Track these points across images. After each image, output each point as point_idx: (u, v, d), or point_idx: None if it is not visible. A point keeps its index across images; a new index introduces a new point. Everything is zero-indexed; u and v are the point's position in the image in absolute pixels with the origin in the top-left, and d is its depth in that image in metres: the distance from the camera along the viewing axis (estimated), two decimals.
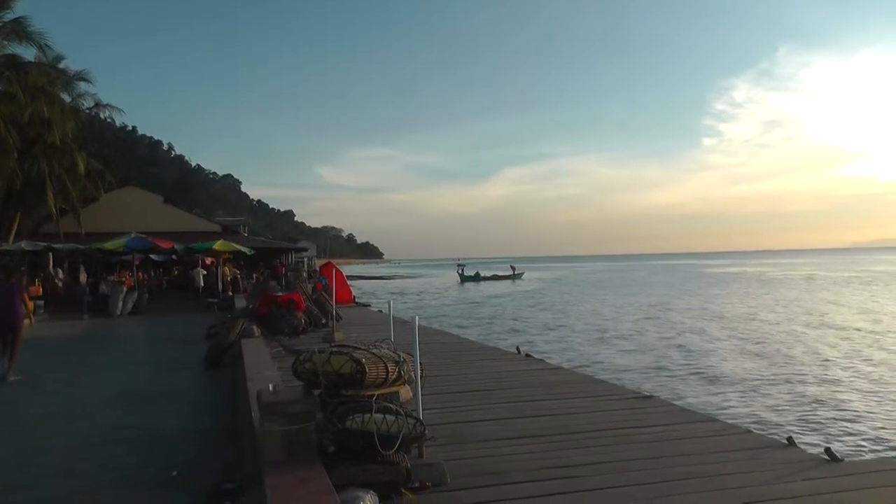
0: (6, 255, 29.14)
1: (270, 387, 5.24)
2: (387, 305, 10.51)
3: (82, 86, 38.77)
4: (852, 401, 14.01)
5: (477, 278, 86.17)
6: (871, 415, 12.85)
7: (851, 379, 16.60)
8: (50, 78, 34.79)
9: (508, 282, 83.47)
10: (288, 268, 38.18)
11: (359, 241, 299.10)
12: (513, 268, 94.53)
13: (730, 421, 8.40)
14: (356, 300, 26.21)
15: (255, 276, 35.61)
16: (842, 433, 11.53)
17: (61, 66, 37.46)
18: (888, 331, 26.55)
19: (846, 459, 5.77)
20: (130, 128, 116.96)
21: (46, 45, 34.09)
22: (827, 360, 19.41)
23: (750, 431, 7.13)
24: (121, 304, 27.46)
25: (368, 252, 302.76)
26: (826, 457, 5.55)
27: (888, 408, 13.43)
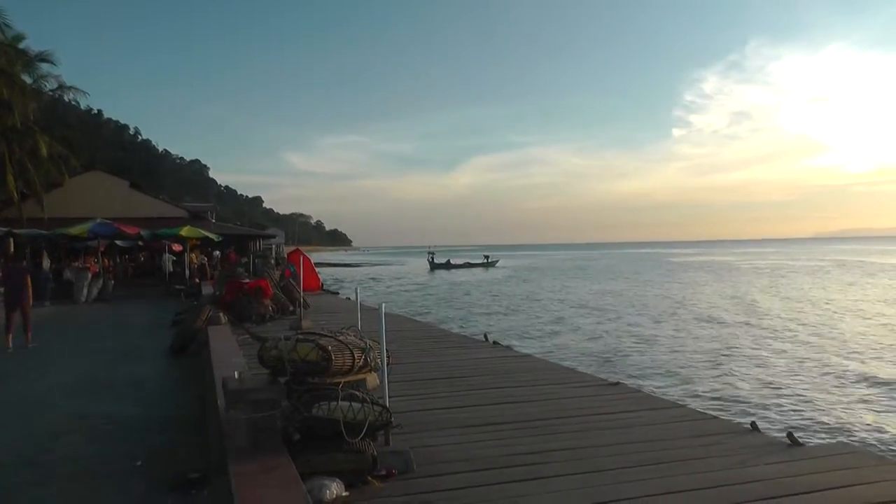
0: None
1: (236, 374, 5.19)
2: (354, 293, 10.48)
3: (45, 67, 37.86)
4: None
5: (448, 266, 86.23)
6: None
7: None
8: (9, 58, 33.95)
9: (480, 269, 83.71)
10: (256, 254, 37.86)
11: (327, 229, 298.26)
12: (486, 256, 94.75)
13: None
14: (324, 287, 26.10)
15: (216, 255, 35.15)
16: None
17: (22, 46, 36.54)
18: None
19: (807, 444, 5.89)
20: (96, 111, 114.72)
21: (6, 25, 33.31)
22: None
23: (715, 417, 7.24)
24: (85, 290, 27.02)
25: (337, 239, 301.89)
26: (788, 441, 5.66)
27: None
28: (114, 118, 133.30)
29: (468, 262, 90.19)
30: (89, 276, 27.63)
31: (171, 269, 31.52)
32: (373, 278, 67.44)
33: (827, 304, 33.59)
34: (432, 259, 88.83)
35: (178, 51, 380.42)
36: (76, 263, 30.49)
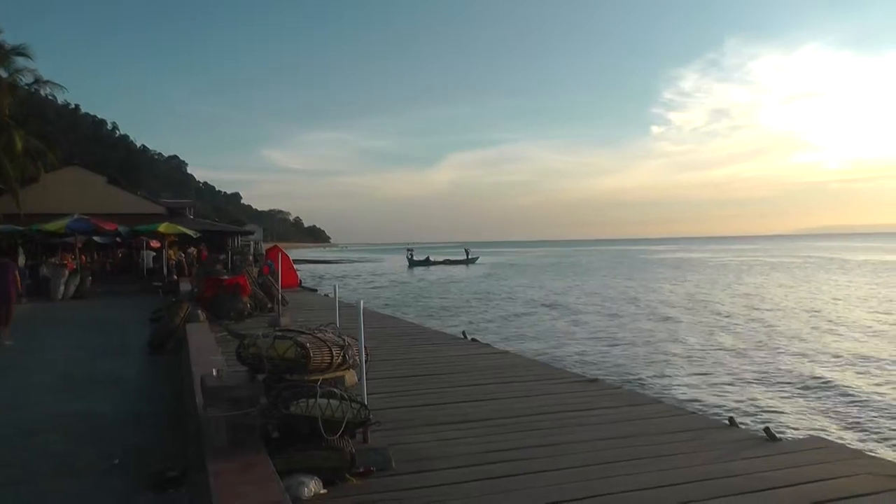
0: None
1: (214, 372, 5.17)
2: (333, 290, 10.46)
3: (20, 61, 37.29)
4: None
5: (427, 263, 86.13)
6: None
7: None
8: None
9: (461, 266, 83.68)
10: (234, 251, 37.64)
11: (306, 225, 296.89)
12: (467, 252, 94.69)
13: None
14: (302, 284, 26.04)
15: (191, 251, 34.85)
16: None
17: None
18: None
19: (783, 439, 5.97)
20: (73, 106, 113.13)
21: None
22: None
23: (694, 413, 7.33)
24: (62, 287, 26.67)
25: (315, 236, 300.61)
26: (765, 436, 5.74)
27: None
28: (92, 113, 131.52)
29: (448, 259, 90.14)
30: (66, 272, 27.25)
31: (152, 266, 31.23)
32: (352, 275, 67.29)
33: (812, 300, 34.01)
34: (411, 256, 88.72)
35: (157, 46, 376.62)
36: (53, 260, 30.09)
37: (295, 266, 20.58)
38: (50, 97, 51.30)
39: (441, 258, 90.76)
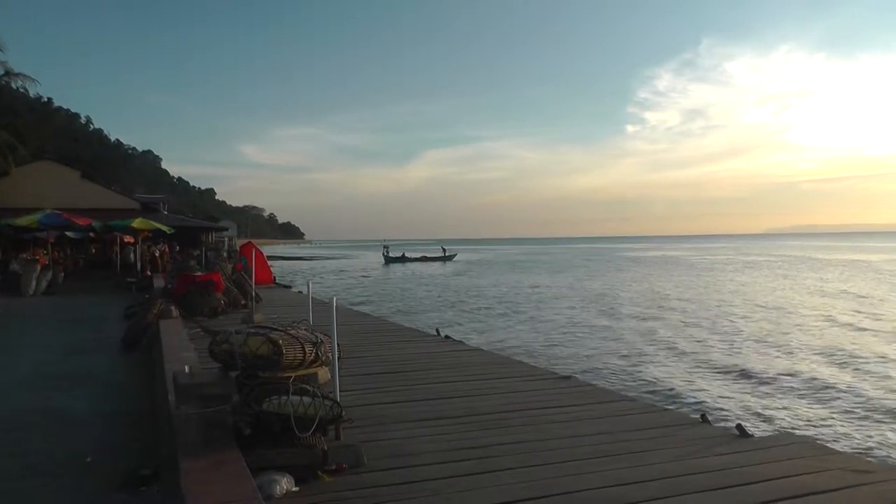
0: None
1: (187, 369, 5.17)
2: (306, 286, 10.43)
3: None
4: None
5: (403, 259, 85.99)
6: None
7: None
8: None
9: (437, 263, 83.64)
10: (208, 247, 37.38)
11: (280, 221, 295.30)
12: (444, 249, 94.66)
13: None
14: (276, 281, 25.92)
15: (163, 248, 34.59)
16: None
17: None
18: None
19: (755, 435, 6.06)
20: (46, 99, 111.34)
21: None
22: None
23: (667, 410, 7.39)
24: (34, 283, 26.31)
25: (290, 232, 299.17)
26: (737, 432, 5.82)
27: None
28: (65, 107, 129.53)
29: (425, 256, 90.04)
30: (38, 267, 26.88)
31: (135, 261, 31.01)
32: (326, 272, 67.06)
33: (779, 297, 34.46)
34: (387, 253, 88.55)
35: (131, 39, 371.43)
36: (24, 255, 29.67)
37: (269, 263, 20.46)
38: (21, 90, 50.59)
39: (418, 255, 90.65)
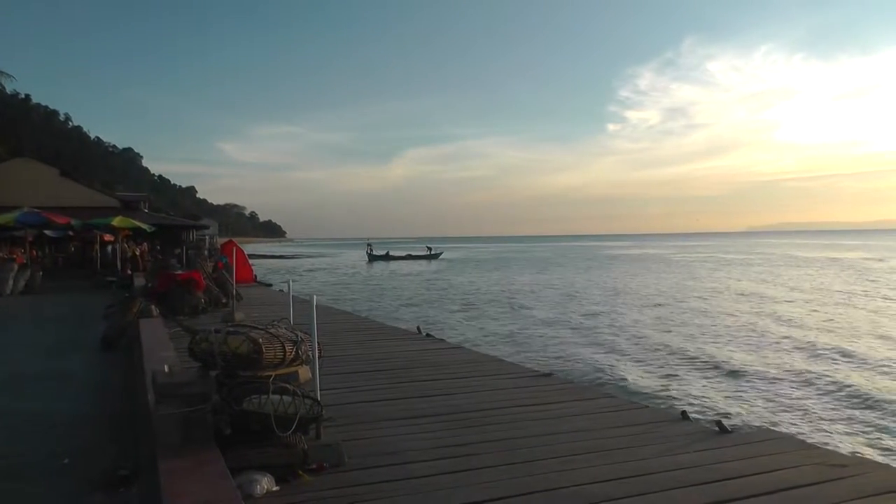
0: None
1: (166, 368, 5.13)
2: (287, 285, 10.40)
3: None
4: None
5: (387, 258, 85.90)
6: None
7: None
8: None
9: (423, 261, 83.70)
10: (189, 245, 37.17)
11: (261, 220, 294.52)
12: (429, 248, 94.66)
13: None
14: (257, 279, 25.81)
15: (139, 249, 34.35)
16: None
17: None
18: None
19: (735, 431, 6.11)
20: (23, 96, 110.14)
21: None
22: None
23: (647, 407, 7.42)
24: (11, 282, 25.99)
25: (271, 231, 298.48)
26: (717, 429, 5.86)
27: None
28: (43, 103, 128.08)
29: (410, 254, 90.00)
30: (15, 266, 26.56)
31: (115, 260, 30.81)
32: (308, 270, 66.87)
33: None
34: (371, 251, 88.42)
35: (111, 36, 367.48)
36: (1, 254, 29.33)
37: (250, 261, 20.37)
38: None
39: (402, 254, 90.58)
